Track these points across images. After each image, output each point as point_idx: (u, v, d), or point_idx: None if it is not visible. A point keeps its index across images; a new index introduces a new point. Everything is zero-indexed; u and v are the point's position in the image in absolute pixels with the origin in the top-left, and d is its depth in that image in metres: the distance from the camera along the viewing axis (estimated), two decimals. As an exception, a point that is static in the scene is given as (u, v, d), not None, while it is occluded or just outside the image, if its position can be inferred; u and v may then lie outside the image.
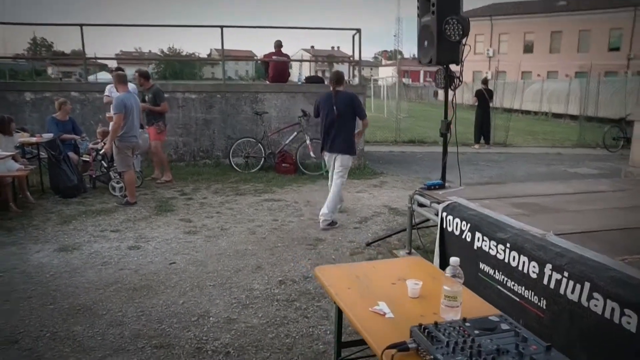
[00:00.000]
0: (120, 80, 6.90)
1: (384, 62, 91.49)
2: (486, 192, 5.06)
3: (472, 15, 56.96)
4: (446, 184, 5.32)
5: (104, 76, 42.38)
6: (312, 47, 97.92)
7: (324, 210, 6.16)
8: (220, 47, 10.09)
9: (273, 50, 10.45)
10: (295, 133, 9.52)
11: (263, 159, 9.48)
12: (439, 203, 4.49)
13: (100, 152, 7.62)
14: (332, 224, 6.19)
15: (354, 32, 10.01)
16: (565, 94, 27.59)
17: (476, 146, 14.28)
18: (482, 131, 14.30)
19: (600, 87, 24.29)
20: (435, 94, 60.48)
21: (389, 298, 2.05)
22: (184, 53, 72.57)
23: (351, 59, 12.13)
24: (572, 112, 26.53)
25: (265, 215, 6.67)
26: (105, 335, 3.42)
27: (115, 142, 6.75)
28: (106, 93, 8.55)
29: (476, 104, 14.36)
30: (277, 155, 9.47)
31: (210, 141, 9.81)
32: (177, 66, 67.00)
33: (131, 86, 8.27)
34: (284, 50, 10.51)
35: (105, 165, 7.73)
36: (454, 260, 1.87)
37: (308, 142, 9.35)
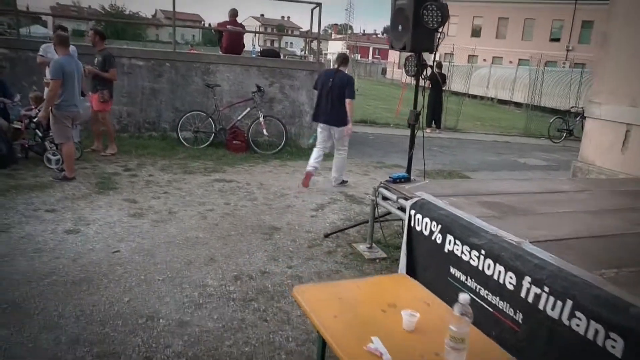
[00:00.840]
0: (62, 41, 6.23)
1: (334, 35, 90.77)
2: (453, 188, 4.91)
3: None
4: (411, 177, 5.13)
5: (38, 30, 39.74)
6: (262, 15, 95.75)
7: (334, 174, 7.34)
8: (166, 9, 9.43)
9: (227, 19, 9.88)
10: (248, 109, 9.09)
11: (213, 134, 9.01)
12: (406, 199, 4.30)
13: (34, 120, 6.95)
14: (343, 182, 7.36)
15: (314, 5, 9.59)
16: (511, 81, 28.27)
17: (427, 130, 14.26)
18: (434, 116, 14.31)
19: (545, 77, 25.02)
20: (384, 71, 60.80)
21: (382, 331, 1.80)
22: (127, 12, 68.79)
23: (308, 32, 11.71)
24: (517, 99, 27.28)
25: (217, 197, 6.29)
26: (37, 340, 3.01)
27: (53, 111, 6.14)
28: (40, 53, 7.79)
29: (429, 87, 14.31)
30: (228, 132, 9.03)
31: (157, 112, 9.22)
32: (120, 25, 63.57)
33: (71, 49, 7.60)
34: (239, 19, 9.98)
35: (40, 134, 7.06)
36: (463, 298, 1.65)
37: (261, 119, 8.96)
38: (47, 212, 5.27)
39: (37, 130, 7.07)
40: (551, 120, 15.28)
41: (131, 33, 63.69)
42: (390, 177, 4.85)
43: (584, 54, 45.66)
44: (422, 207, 4.01)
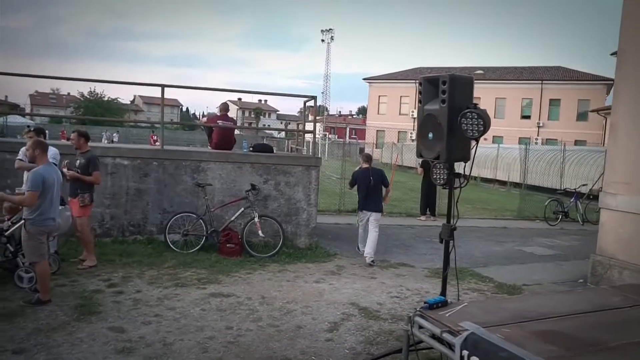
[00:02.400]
0: (42, 148, 5.63)
1: (310, 117, 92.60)
2: (498, 313, 4.25)
3: (398, 77, 59.40)
4: (446, 297, 4.47)
5: (15, 119, 39.26)
6: (239, 99, 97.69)
7: (369, 250, 8.60)
8: (144, 94, 9.06)
9: (218, 113, 9.51)
10: (242, 209, 8.48)
11: (204, 237, 8.32)
12: (452, 333, 3.63)
13: (6, 234, 6.19)
14: (374, 260, 8.54)
15: (308, 99, 9.30)
16: (493, 159, 28.48)
17: (422, 218, 13.83)
18: (428, 202, 13.90)
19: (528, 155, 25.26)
20: (361, 151, 61.58)
21: None
22: (106, 98, 69.03)
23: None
24: (500, 177, 27.36)
25: (216, 319, 5.51)
26: None
27: (26, 226, 5.43)
28: (19, 156, 7.22)
29: (421, 174, 14.02)
30: (221, 234, 8.35)
31: (143, 214, 8.53)
32: (98, 111, 63.71)
33: (52, 151, 7.01)
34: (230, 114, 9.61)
35: (11, 249, 6.28)
36: None
37: (256, 219, 8.34)
38: (14, 354, 4.42)
39: (8, 245, 6.29)
40: (546, 203, 14.99)
41: (110, 117, 63.62)
42: (425, 303, 4.19)
43: (554, 130, 47.22)
44: (477, 347, 3.35)
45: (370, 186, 8.68)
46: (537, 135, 48.48)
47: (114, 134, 40.30)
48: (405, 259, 9.03)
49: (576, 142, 39.42)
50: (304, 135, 11.34)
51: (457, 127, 3.73)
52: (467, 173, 4.24)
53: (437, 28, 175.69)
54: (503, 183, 27.06)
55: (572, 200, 15.28)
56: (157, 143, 9.76)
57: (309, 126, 10.79)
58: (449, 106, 3.76)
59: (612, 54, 44.72)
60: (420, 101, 4.09)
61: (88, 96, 69.11)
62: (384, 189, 9.05)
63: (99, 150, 8.30)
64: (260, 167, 8.81)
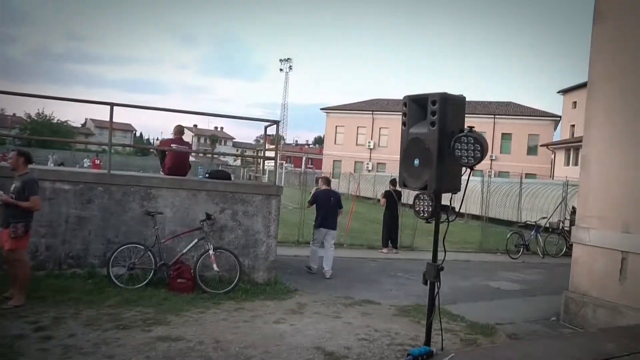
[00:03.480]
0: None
1: (267, 146, 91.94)
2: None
3: (355, 108, 59.88)
4: (431, 347, 3.95)
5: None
6: (195, 125, 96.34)
7: (327, 267, 9.75)
8: (97, 118, 8.32)
9: (172, 136, 8.83)
10: (196, 240, 7.77)
11: (153, 271, 7.54)
12: (444, 395, 3.10)
13: None
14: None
15: (270, 124, 8.76)
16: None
17: (384, 250, 13.37)
18: (390, 234, 13.48)
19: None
20: (317, 181, 61.31)
21: None
22: (56, 120, 66.28)
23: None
24: (457, 208, 27.36)
25: (162, 370, 4.78)
26: None
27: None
28: None
29: (384, 205, 13.63)
30: (172, 267, 7.59)
31: (83, 245, 7.69)
32: (46, 133, 61.07)
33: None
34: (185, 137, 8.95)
35: None
36: None
37: (211, 252, 7.64)
38: None
39: None
40: (508, 236, 14.83)
41: (59, 139, 61.25)
42: (409, 355, 3.65)
43: (506, 163, 48.34)
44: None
45: (330, 206, 9.93)
46: (490, 168, 49.48)
47: (51, 155, 38.02)
48: (370, 296, 8.47)
49: (527, 175, 40.44)
50: (263, 162, 10.74)
51: (447, 154, 3.27)
52: (452, 205, 3.77)
53: (392, 60, 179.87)
54: (460, 215, 27.07)
55: (532, 233, 15.21)
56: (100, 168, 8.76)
57: (268, 153, 10.33)
58: (440, 129, 3.30)
59: (559, 92, 46.76)
60: (404, 124, 3.61)
61: (35, 118, 66.26)
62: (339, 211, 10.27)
63: (37, 173, 7.44)
64: (217, 195, 8.16)
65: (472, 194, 25.69)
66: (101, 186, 7.73)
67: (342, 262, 11.45)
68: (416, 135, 3.49)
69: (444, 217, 3.92)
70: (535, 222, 15.78)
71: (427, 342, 4.00)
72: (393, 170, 49.45)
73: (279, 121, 8.56)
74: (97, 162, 33.86)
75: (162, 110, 9.29)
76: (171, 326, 6.02)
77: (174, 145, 8.64)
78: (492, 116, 50.43)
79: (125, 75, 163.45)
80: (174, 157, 8.64)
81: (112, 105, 7.80)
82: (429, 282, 3.92)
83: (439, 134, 3.29)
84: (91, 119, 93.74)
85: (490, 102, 54.55)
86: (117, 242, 7.65)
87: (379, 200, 15.37)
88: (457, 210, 3.71)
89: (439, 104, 3.29)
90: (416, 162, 3.51)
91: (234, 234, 8.25)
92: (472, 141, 3.16)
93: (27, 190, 6.22)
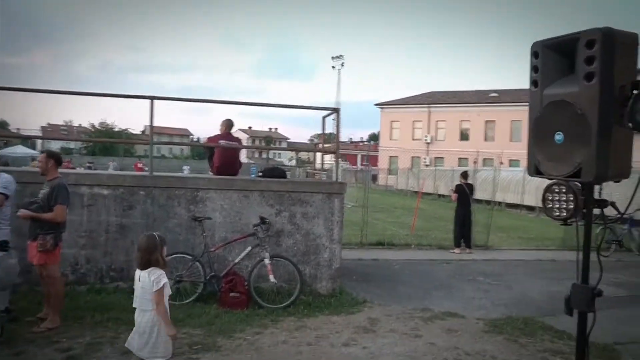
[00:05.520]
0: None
1: (321, 145, 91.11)
2: None
3: (410, 102, 58.11)
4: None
5: (16, 150, 38.07)
6: (250, 127, 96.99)
7: None
8: (157, 124, 7.49)
9: (219, 132, 7.94)
10: (250, 247, 6.83)
11: (202, 284, 6.66)
12: None
13: None
14: None
15: (329, 112, 7.71)
16: (518, 183, 26.65)
17: (456, 250, 12.05)
18: (463, 233, 12.14)
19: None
20: (374, 177, 60.06)
21: None
22: (117, 129, 68.40)
23: (319, 146, 9.79)
24: (529, 202, 25.47)
25: (209, 416, 3.82)
26: None
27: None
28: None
29: (456, 201, 12.32)
30: (223, 280, 6.68)
31: (126, 256, 6.89)
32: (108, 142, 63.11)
33: (3, 178, 5.51)
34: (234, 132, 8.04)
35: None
36: None
37: (267, 260, 6.68)
38: None
39: None
40: (597, 231, 13.12)
41: (120, 149, 63.18)
42: None
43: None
44: None
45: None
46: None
47: (111, 162, 38.76)
48: (451, 306, 7.27)
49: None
50: (322, 158, 9.69)
51: (615, 121, 2.09)
52: (605, 199, 2.58)
53: (449, 52, 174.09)
54: (531, 209, 25.18)
55: (625, 227, 13.43)
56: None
57: (319, 155, 9.33)
58: (603, 84, 2.12)
59: None
60: (534, 83, 2.47)
61: (99, 127, 68.62)
62: None
63: (73, 178, 6.74)
64: (272, 195, 7.19)
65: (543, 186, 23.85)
66: (143, 190, 6.92)
67: (412, 265, 10.28)
68: (559, 97, 2.33)
69: (583, 218, 2.71)
70: (630, 215, 13.95)
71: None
72: (452, 164, 47.62)
73: (338, 109, 7.49)
74: (140, 165, 33.57)
75: (208, 101, 8.41)
76: (222, 353, 5.09)
77: (222, 141, 7.73)
78: (526, 103, 47.36)
79: (184, 82, 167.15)
80: (223, 154, 7.74)
81: (152, 98, 6.99)
82: (575, 311, 2.72)
83: (602, 91, 2.13)
84: (149, 126, 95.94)
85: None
86: (162, 252, 6.81)
87: (438, 195, 14.12)
88: (625, 209, 2.50)
89: (601, 45, 2.11)
90: (559, 137, 2.35)
91: (293, 240, 7.24)
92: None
93: (53, 198, 5.44)
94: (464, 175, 12.51)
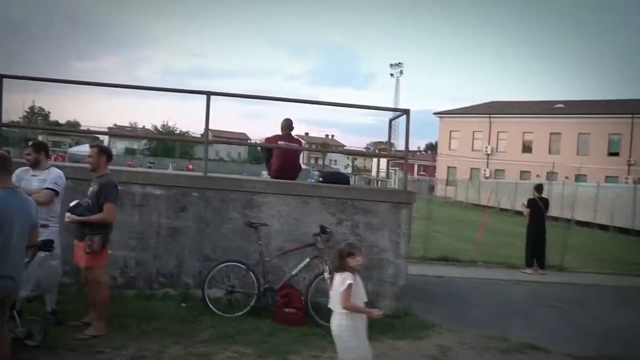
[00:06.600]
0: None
1: (392, 140, 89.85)
2: None
3: (471, 111, 56.35)
4: None
5: (80, 149, 39.43)
6: (307, 134, 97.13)
7: None
8: (214, 128, 7.08)
9: (279, 132, 7.43)
10: (308, 259, 6.24)
11: (256, 296, 6.12)
12: None
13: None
14: None
15: (399, 114, 7.05)
16: (590, 199, 24.94)
17: (528, 271, 11.03)
18: (536, 252, 11.12)
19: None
20: (432, 188, 58.54)
21: None
22: (178, 131, 70.30)
23: (393, 150, 9.12)
24: (601, 220, 23.79)
25: None
26: None
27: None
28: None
29: (528, 217, 11.33)
30: (278, 293, 6.12)
31: (177, 261, 6.48)
32: (170, 144, 64.69)
33: (53, 173, 5.18)
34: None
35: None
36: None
37: (327, 274, 6.06)
38: None
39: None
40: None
41: (181, 150, 64.55)
42: None
43: (641, 168, 42.41)
44: None
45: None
46: (628, 174, 43.80)
47: (171, 163, 39.44)
48: (531, 336, 6.39)
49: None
50: (388, 164, 9.01)
51: None
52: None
53: (512, 61, 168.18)
54: (604, 227, 23.48)
55: None
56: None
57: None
58: None
59: None
60: None
61: (161, 129, 70.61)
62: None
63: (125, 175, 6.40)
64: (333, 202, 6.59)
65: (617, 202, 22.25)
66: (196, 191, 6.49)
67: (481, 285, 9.43)
68: None
69: None
70: None
71: None
72: (514, 176, 45.65)
73: (408, 110, 6.81)
74: (191, 167, 33.53)
75: (264, 98, 7.81)
76: (275, 378, 4.50)
77: (281, 142, 7.22)
78: (630, 116, 44.57)
79: (241, 88, 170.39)
80: (282, 156, 7.23)
81: (209, 94, 6.57)
82: None
83: None
84: (210, 129, 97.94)
85: (628, 101, 48.30)
86: (214, 259, 6.35)
87: (500, 208, 13.06)
88: None
89: None
90: None
91: (354, 252, 6.61)
92: None
93: (102, 196, 5.06)
94: (538, 188, 11.51)
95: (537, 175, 44.45)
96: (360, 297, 4.14)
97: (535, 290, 9.40)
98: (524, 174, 48.02)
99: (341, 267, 4.14)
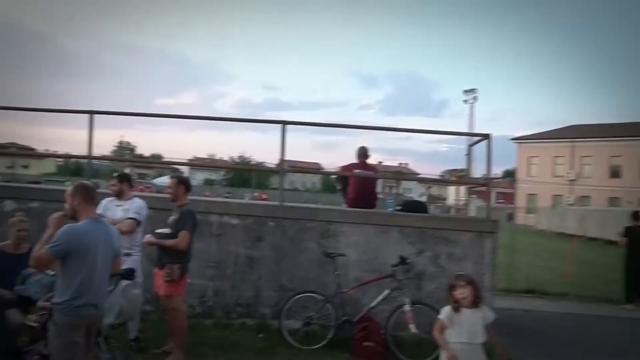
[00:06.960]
0: (84, 195, 3.68)
1: (474, 164, 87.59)
2: None
3: (551, 136, 53.87)
4: None
5: (161, 180, 41.31)
6: (380, 162, 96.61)
7: None
8: (289, 159, 7.11)
9: (355, 160, 7.31)
10: (387, 291, 5.99)
11: (333, 328, 5.94)
12: None
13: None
14: None
15: (479, 139, 6.74)
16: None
17: (628, 307, 10.08)
18: (637, 286, 10.18)
19: None
20: (510, 216, 55.98)
21: None
22: (253, 162, 72.65)
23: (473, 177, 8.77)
24: None
25: None
26: None
27: (53, 316, 3.52)
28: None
29: (626, 246, 10.44)
30: (357, 325, 5.91)
31: (254, 291, 6.45)
32: (246, 174, 66.72)
33: (135, 204, 5.31)
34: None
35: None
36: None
37: (407, 306, 5.79)
38: None
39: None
40: None
41: (257, 181, 66.22)
42: None
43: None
44: None
45: None
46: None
47: (249, 194, 40.31)
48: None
49: None
50: (467, 192, 8.63)
51: None
52: None
53: (590, 83, 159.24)
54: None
55: None
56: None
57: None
58: None
59: None
60: None
61: (238, 160, 73.02)
62: None
63: (203, 205, 6.49)
64: (413, 232, 6.34)
65: None
66: (272, 220, 6.47)
67: (574, 321, 8.70)
68: None
69: None
70: None
71: None
72: (600, 202, 42.88)
73: (490, 134, 6.49)
74: (264, 196, 33.97)
75: (339, 126, 7.82)
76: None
77: (357, 171, 7.09)
78: None
79: (315, 119, 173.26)
80: (359, 184, 7.09)
81: (284, 123, 6.61)
82: None
83: None
84: (285, 159, 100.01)
85: None
86: (291, 290, 6.25)
87: (588, 238, 12.08)
88: None
89: None
90: None
91: (436, 284, 6.29)
92: None
93: (180, 224, 5.13)
94: (636, 215, 10.60)
95: (629, 202, 41.44)
96: (459, 333, 4.02)
97: (638, 329, 8.54)
98: (612, 201, 44.96)
99: (449, 300, 4.11)
